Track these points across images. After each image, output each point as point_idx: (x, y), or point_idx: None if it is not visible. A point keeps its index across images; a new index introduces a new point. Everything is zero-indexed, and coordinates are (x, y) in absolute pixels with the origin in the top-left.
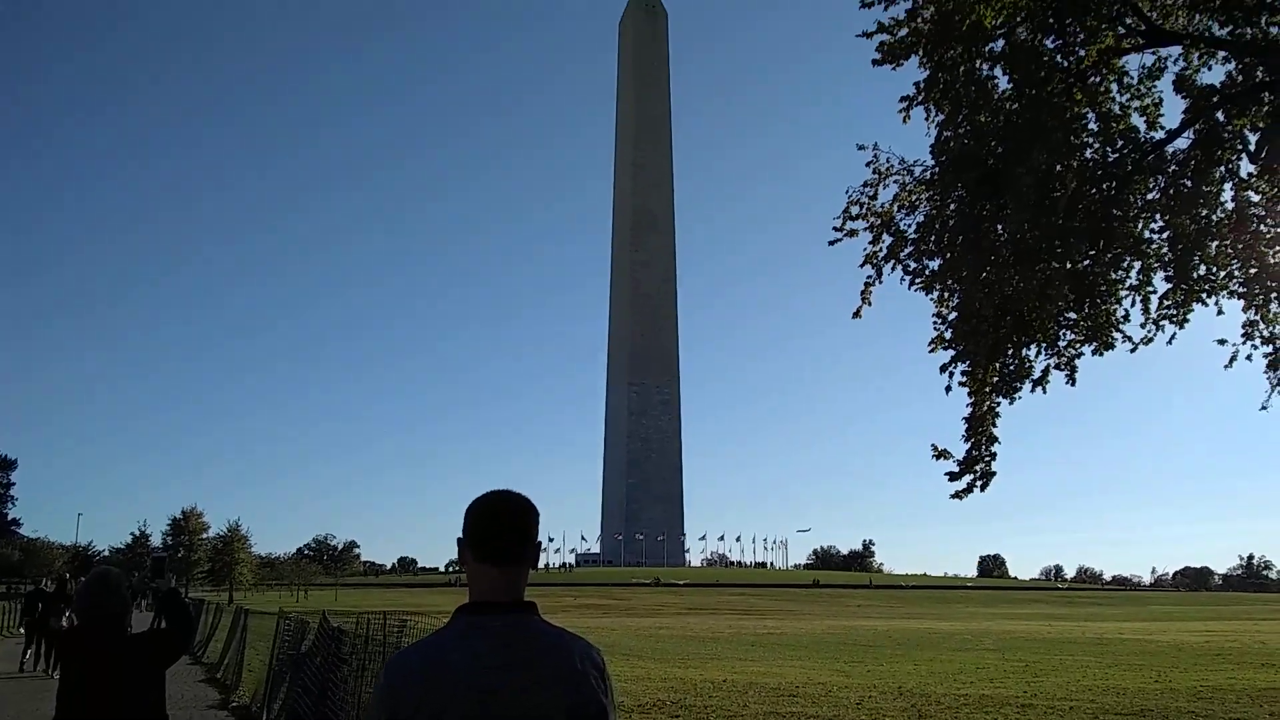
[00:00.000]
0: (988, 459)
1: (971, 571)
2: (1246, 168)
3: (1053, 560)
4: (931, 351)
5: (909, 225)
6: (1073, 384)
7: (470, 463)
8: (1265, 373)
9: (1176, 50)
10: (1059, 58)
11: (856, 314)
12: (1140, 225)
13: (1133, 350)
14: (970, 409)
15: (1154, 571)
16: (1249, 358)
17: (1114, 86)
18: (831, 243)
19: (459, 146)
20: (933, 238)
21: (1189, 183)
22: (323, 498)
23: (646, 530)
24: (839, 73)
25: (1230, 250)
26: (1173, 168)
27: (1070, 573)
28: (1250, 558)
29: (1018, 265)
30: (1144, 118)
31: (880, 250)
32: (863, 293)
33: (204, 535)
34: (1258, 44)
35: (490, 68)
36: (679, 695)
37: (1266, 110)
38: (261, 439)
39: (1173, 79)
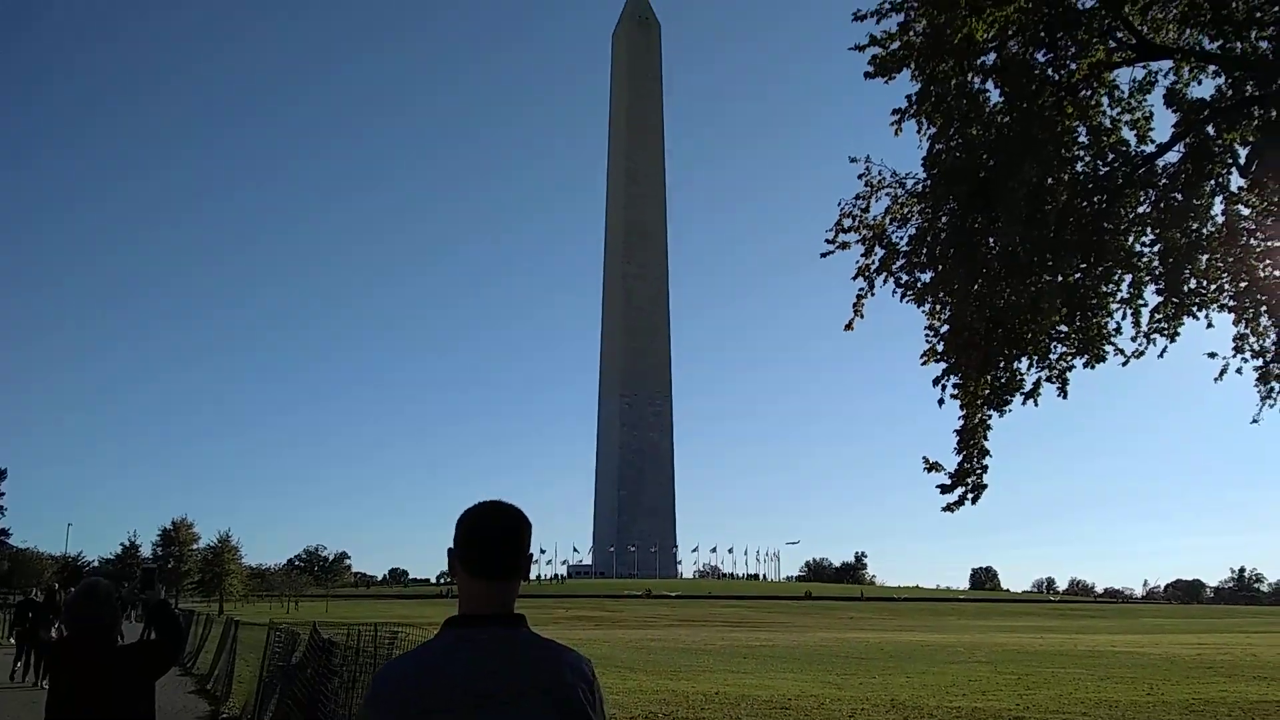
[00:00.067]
0: (979, 471)
1: (964, 584)
2: (1237, 181)
3: (1045, 572)
4: (924, 364)
5: (901, 238)
6: (1064, 397)
7: (462, 474)
8: (1256, 386)
9: (1167, 64)
10: (1050, 71)
11: (849, 326)
12: (1131, 239)
13: (1124, 363)
14: (962, 421)
15: (1146, 584)
16: (1239, 371)
17: (1105, 100)
18: (824, 255)
19: (451, 157)
20: (924, 250)
21: (1179, 196)
22: (314, 508)
23: (639, 542)
24: (831, 85)
25: (1221, 264)
26: (1163, 181)
27: (1062, 585)
28: (1242, 570)
29: (1009, 278)
30: (1135, 131)
31: (872, 263)
32: (855, 305)
33: (194, 546)
34: (1247, 58)
35: (483, 79)
36: (671, 708)
37: (1256, 124)
38: (252, 450)
39: (1163, 93)
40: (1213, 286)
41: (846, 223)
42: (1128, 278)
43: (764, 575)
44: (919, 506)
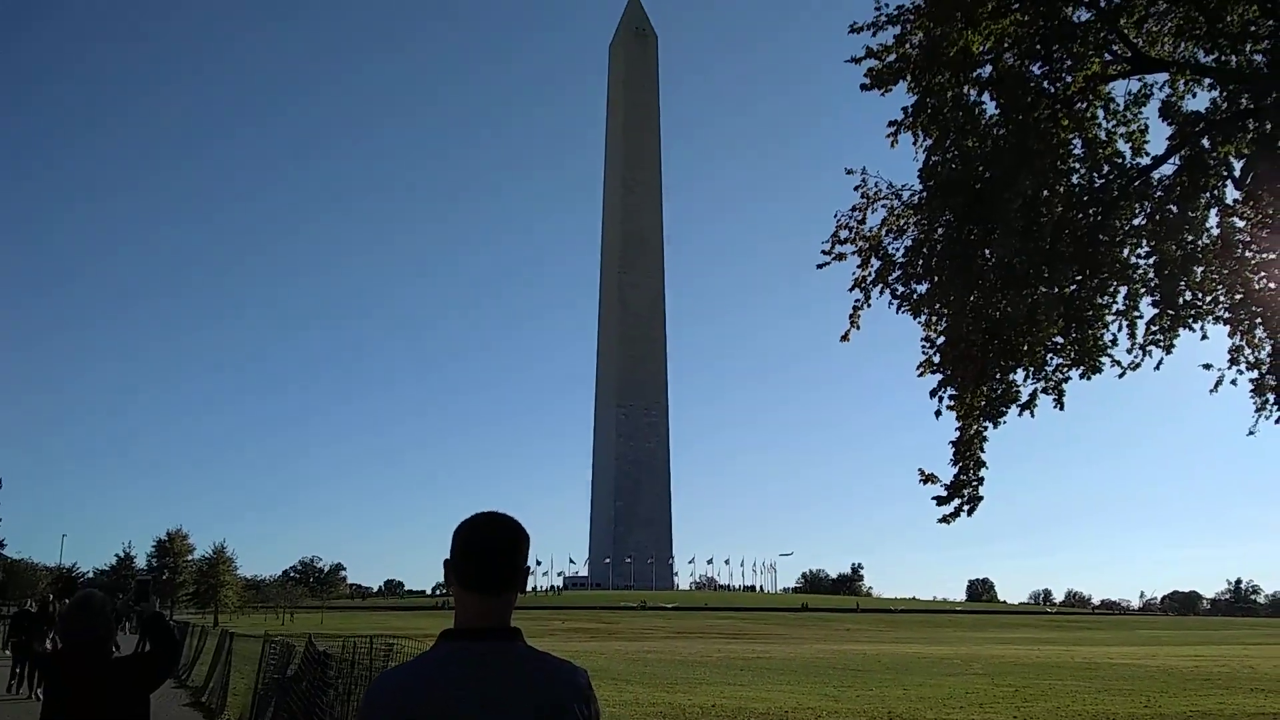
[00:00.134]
0: (975, 483)
1: (960, 595)
2: (1232, 194)
3: (1041, 584)
4: (920, 375)
5: (897, 249)
6: (1061, 408)
7: (459, 485)
8: (1251, 397)
9: (1162, 77)
10: (1046, 84)
11: (845, 337)
12: (1126, 251)
13: (1121, 375)
14: (958, 433)
15: (1142, 596)
16: (1234, 383)
17: (1100, 113)
18: (820, 266)
19: (449, 167)
20: (920, 262)
21: (1174, 209)
22: (309, 520)
23: (635, 553)
24: (827, 96)
25: (1216, 276)
26: (1158, 194)
27: (1059, 597)
28: (1238, 582)
29: (1005, 290)
30: (1130, 144)
31: (869, 274)
32: (851, 316)
33: (189, 557)
34: (1242, 71)
35: (481, 89)
36: None
37: (1251, 137)
38: (248, 461)
39: (1158, 106)
40: (1208, 299)
41: (843, 234)
42: (1123, 290)
43: (760, 587)
44: (916, 518)
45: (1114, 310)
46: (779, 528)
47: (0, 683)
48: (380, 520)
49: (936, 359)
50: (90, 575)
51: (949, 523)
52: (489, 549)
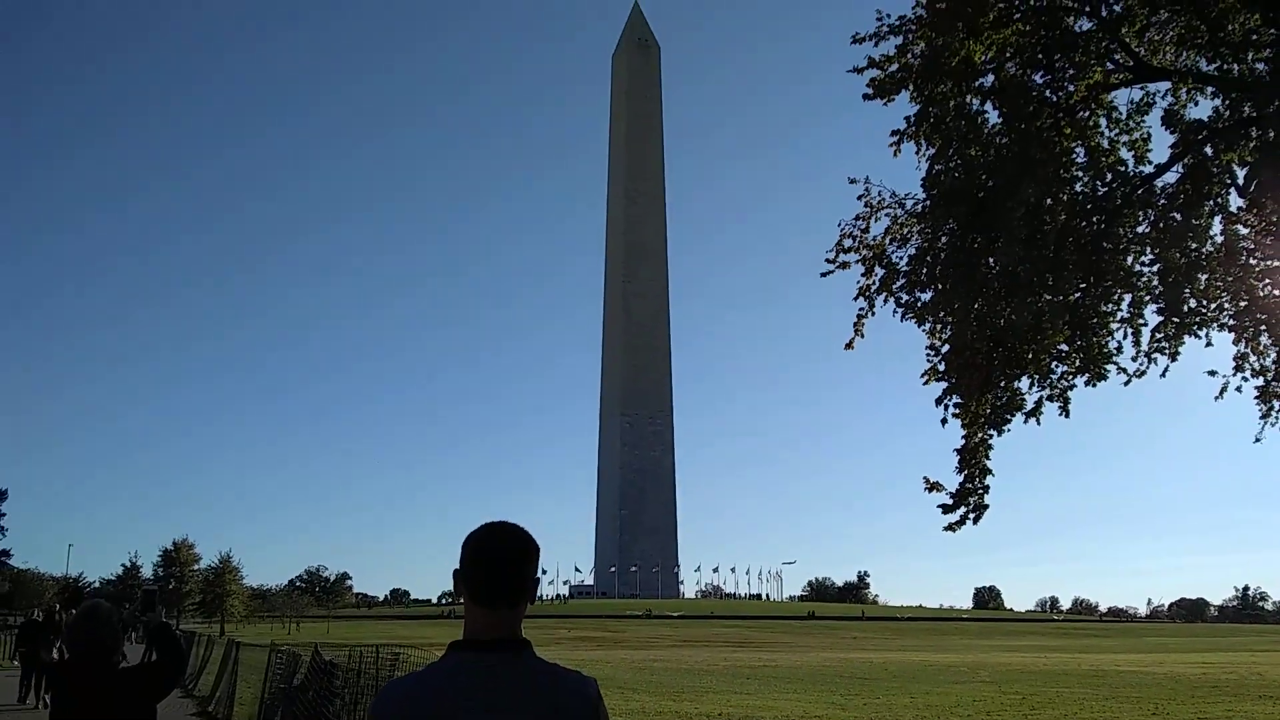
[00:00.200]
0: (981, 491)
1: (967, 603)
2: (1235, 202)
3: (1048, 592)
4: (925, 384)
5: (901, 258)
6: (1066, 416)
7: (464, 494)
8: (1256, 403)
9: (1165, 85)
10: (1048, 93)
11: (849, 345)
12: (1130, 258)
13: (1126, 383)
14: (963, 441)
15: (1150, 603)
16: (1239, 389)
17: (1103, 121)
18: (824, 275)
19: (452, 177)
20: (924, 270)
21: (1178, 216)
22: (315, 529)
23: (640, 562)
24: (830, 106)
25: (1220, 283)
26: (1162, 201)
27: (1066, 604)
28: (1246, 589)
29: (1009, 298)
30: (1132, 152)
31: (872, 283)
32: (855, 325)
33: (195, 567)
34: (1244, 79)
35: (484, 100)
36: None
37: (1254, 145)
38: (254, 470)
39: (1161, 114)
40: (1212, 306)
41: (847, 243)
42: (1127, 297)
43: (766, 595)
44: (921, 525)
45: (1119, 318)
46: (785, 536)
47: (9, 692)
48: (386, 529)
49: (941, 367)
50: (96, 585)
51: (954, 530)
52: (498, 561)
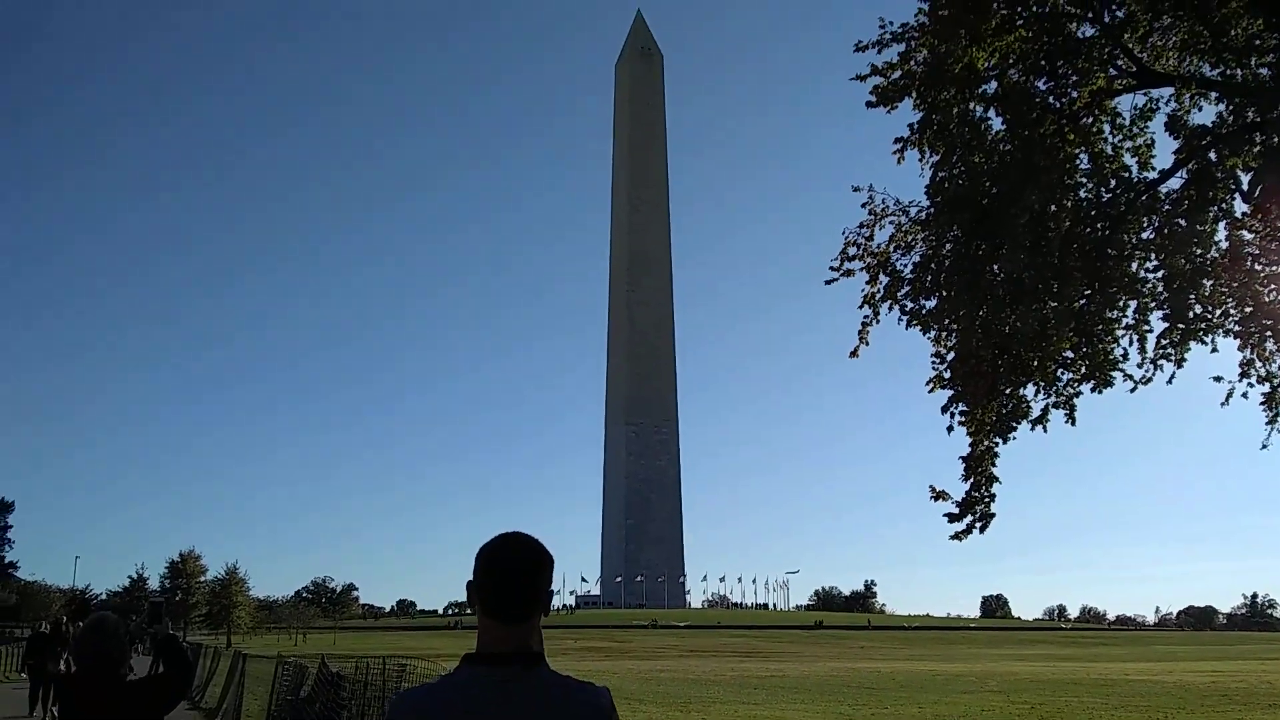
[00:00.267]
0: (987, 499)
1: (974, 612)
2: (1240, 207)
3: (1056, 600)
4: (930, 391)
5: (905, 265)
6: (1072, 423)
7: (469, 504)
8: (1262, 409)
9: (1168, 91)
10: (1051, 99)
11: (854, 353)
12: (1135, 265)
13: (1132, 389)
14: (969, 449)
15: (1158, 611)
16: (1245, 395)
17: (1106, 127)
18: (828, 282)
19: (456, 185)
20: (929, 277)
21: (1182, 222)
22: (321, 540)
23: (646, 572)
24: (833, 114)
25: (1225, 289)
26: (1166, 207)
27: (1074, 613)
28: (1254, 597)
29: (1014, 305)
30: (1136, 158)
31: (877, 290)
32: (860, 332)
33: (202, 578)
34: (1248, 85)
35: (487, 109)
36: None
37: (1258, 150)
38: (260, 482)
39: (1164, 119)
40: (1218, 312)
41: (851, 250)
42: (1133, 304)
43: (773, 604)
44: (928, 534)
45: (1124, 324)
46: (791, 545)
47: (20, 705)
48: (392, 540)
49: (947, 375)
50: (103, 597)
51: (961, 540)
52: (510, 573)
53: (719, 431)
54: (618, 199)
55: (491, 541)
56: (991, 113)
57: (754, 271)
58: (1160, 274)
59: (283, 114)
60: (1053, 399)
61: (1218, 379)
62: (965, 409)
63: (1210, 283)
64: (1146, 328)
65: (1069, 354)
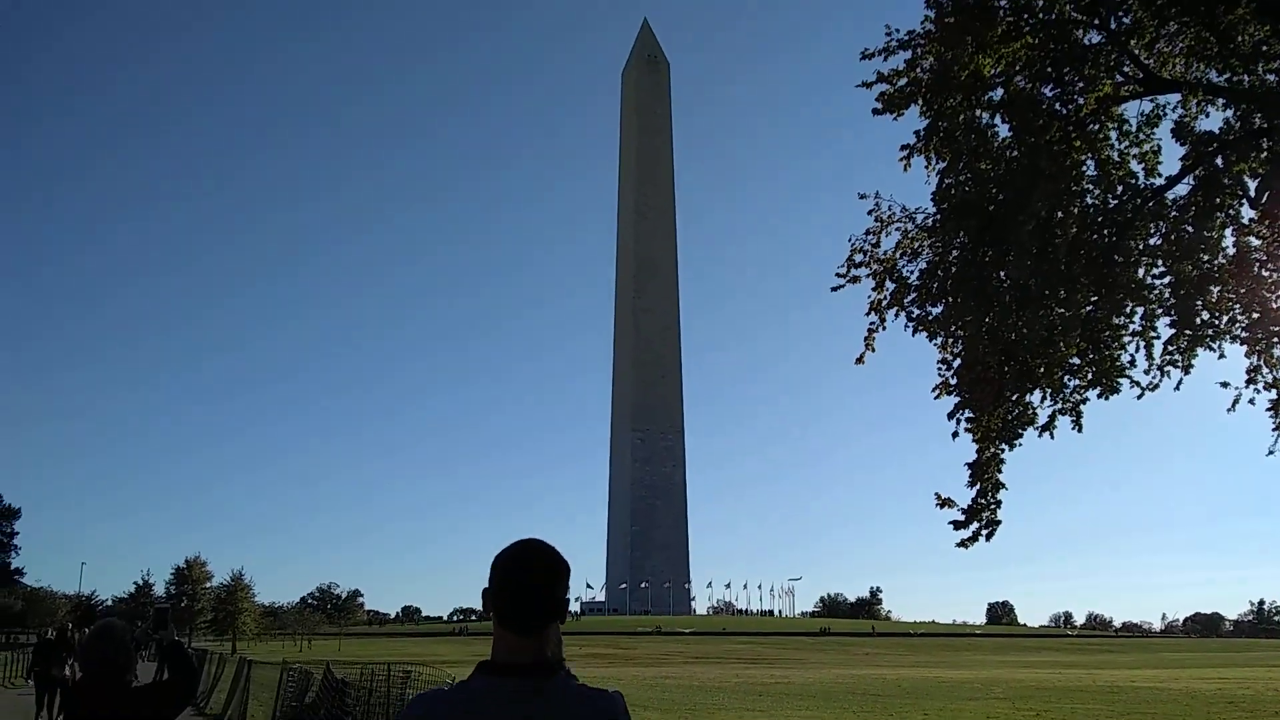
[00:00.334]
0: (993, 507)
1: (980, 618)
2: (1247, 213)
3: (1062, 607)
4: (936, 398)
5: (911, 272)
6: (1079, 429)
7: (475, 511)
8: (1269, 415)
9: (1175, 97)
10: (1058, 106)
11: (860, 360)
12: (1142, 271)
13: (1139, 396)
14: (975, 455)
15: (1164, 618)
16: (1252, 401)
17: (1113, 134)
18: (835, 289)
19: (463, 194)
20: (935, 284)
21: (1190, 228)
22: (327, 546)
23: (652, 578)
24: (839, 121)
25: (1232, 295)
26: (1173, 214)
27: (1080, 619)
28: (1261, 603)
29: (1020, 311)
30: (1143, 164)
31: (883, 297)
32: (866, 339)
33: (207, 584)
34: (1255, 91)
35: (494, 116)
36: None
37: (1265, 156)
38: (265, 488)
39: (1171, 126)
40: (1225, 318)
41: (857, 257)
42: (1139, 310)
43: (779, 611)
44: (934, 540)
45: (1131, 331)
46: (797, 551)
47: (26, 712)
48: (397, 547)
49: (953, 381)
50: (109, 603)
51: (967, 547)
52: (525, 585)
53: (725, 438)
54: (624, 206)
55: (509, 549)
56: (998, 119)
57: (760, 278)
58: (1167, 280)
59: (290, 120)
60: (1059, 405)
61: (1225, 385)
62: (971, 415)
63: (1217, 289)
64: (1153, 334)
65: (1076, 360)
